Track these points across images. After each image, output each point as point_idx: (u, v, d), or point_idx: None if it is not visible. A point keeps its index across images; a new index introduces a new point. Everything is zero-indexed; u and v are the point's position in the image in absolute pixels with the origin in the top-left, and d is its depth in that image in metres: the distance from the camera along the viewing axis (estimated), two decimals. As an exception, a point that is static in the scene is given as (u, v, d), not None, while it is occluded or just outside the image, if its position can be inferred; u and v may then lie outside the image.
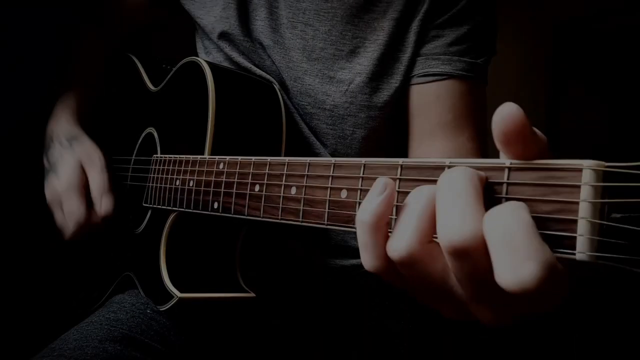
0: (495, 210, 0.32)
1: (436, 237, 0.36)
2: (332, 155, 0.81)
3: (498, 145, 0.35)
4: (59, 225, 0.82)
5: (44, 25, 0.99)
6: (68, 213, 0.79)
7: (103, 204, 0.80)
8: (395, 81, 0.78)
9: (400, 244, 0.36)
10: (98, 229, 0.82)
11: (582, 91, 1.91)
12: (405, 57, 0.77)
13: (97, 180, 0.81)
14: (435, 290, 0.38)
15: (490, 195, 0.36)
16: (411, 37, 0.77)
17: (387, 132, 0.81)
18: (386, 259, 0.39)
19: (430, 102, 0.77)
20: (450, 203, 0.34)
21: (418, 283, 0.38)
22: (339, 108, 0.79)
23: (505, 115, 0.33)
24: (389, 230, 0.39)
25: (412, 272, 0.37)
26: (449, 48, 0.76)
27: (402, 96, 0.79)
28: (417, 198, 0.37)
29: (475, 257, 0.33)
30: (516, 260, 0.30)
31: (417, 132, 0.79)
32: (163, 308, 0.69)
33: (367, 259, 0.39)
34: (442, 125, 0.76)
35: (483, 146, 0.79)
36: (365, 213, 0.38)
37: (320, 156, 0.81)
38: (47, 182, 0.83)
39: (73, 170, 0.81)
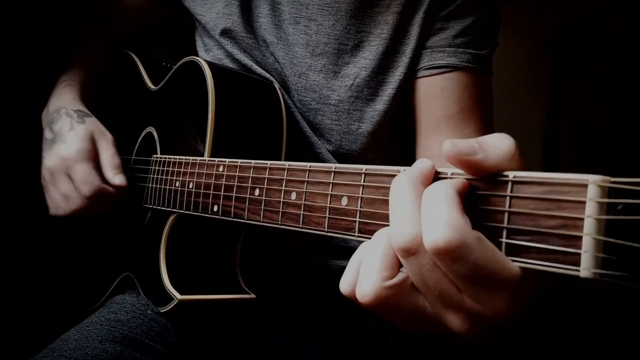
0: (431, 185, 0.37)
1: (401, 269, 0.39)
2: (336, 151, 0.80)
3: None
4: (62, 195, 0.79)
5: (44, 26, 0.98)
6: (81, 180, 0.76)
7: (117, 176, 0.78)
8: (399, 74, 0.77)
9: (365, 289, 0.39)
10: (112, 200, 0.79)
11: (583, 92, 1.90)
12: (409, 49, 0.77)
13: (110, 152, 0.80)
14: (410, 314, 0.40)
15: (492, 207, 0.36)
16: (414, 30, 0.76)
17: (392, 127, 0.81)
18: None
19: (436, 94, 0.76)
20: (393, 213, 0.38)
21: (394, 312, 0.41)
22: (344, 103, 0.78)
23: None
24: None
25: (385, 308, 0.40)
26: (454, 40, 0.75)
27: (406, 89, 0.79)
28: (379, 237, 0.40)
29: (419, 256, 0.36)
30: (434, 224, 0.34)
31: (423, 125, 0.78)
32: (163, 310, 0.69)
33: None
34: (448, 118, 0.76)
35: None
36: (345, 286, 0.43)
37: (321, 156, 0.80)
38: (50, 150, 0.80)
39: (85, 139, 0.79)
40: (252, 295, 0.71)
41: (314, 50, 0.79)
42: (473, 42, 0.76)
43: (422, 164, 0.39)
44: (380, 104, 0.78)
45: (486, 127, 0.78)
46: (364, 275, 0.39)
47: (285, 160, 0.68)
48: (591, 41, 1.92)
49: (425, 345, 0.82)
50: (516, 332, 1.81)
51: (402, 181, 0.38)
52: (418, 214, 0.36)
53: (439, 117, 0.76)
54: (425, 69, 0.77)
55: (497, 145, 0.36)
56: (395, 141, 0.83)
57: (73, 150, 0.78)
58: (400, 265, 0.39)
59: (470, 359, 1.62)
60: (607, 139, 1.84)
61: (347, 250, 0.82)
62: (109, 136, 0.82)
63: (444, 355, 0.83)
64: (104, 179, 0.78)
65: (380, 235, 0.40)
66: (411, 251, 0.36)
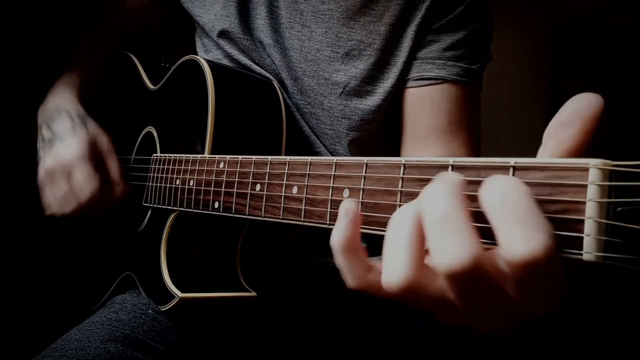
0: (494, 183, 0.32)
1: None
2: (331, 155, 0.81)
3: (563, 129, 0.34)
4: (58, 197, 0.78)
5: (44, 25, 0.99)
6: (80, 185, 0.76)
7: (123, 184, 0.80)
8: (389, 84, 0.77)
9: (394, 277, 0.35)
10: (107, 206, 0.80)
11: (583, 92, 1.90)
12: (400, 61, 0.77)
13: (115, 161, 0.81)
14: (432, 306, 0.37)
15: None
16: (407, 42, 0.76)
17: (381, 137, 0.81)
18: (365, 280, 0.39)
19: (425, 105, 0.76)
20: (440, 226, 0.33)
21: (413, 303, 0.38)
22: (335, 110, 0.79)
23: (593, 100, 0.33)
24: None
25: (410, 298, 0.36)
26: (445, 53, 0.76)
27: (395, 100, 0.79)
28: (403, 221, 0.35)
29: (475, 278, 0.33)
30: (526, 231, 0.30)
31: (410, 136, 0.78)
32: (164, 308, 0.69)
33: (348, 280, 0.40)
34: (436, 130, 0.76)
35: (477, 152, 0.79)
36: (334, 238, 0.39)
37: (321, 155, 0.81)
38: (50, 151, 0.80)
39: (86, 143, 0.79)
40: (253, 293, 0.71)
41: (306, 56, 0.79)
42: (464, 56, 0.76)
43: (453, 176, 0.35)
44: (368, 114, 0.78)
45: (474, 142, 0.78)
46: (392, 262, 0.35)
47: None
48: (591, 41, 1.93)
49: (425, 345, 0.81)
50: (515, 333, 1.81)
51: (441, 190, 0.34)
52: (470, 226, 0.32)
53: (427, 129, 0.76)
54: (414, 80, 0.77)
55: None
56: (390, 150, 0.83)
57: (74, 153, 0.77)
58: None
59: (471, 359, 1.61)
60: (606, 138, 1.85)
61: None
62: (110, 143, 0.83)
63: (444, 355, 0.83)
64: (102, 185, 0.78)
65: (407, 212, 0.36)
66: (468, 273, 0.32)
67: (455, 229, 0.32)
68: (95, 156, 0.79)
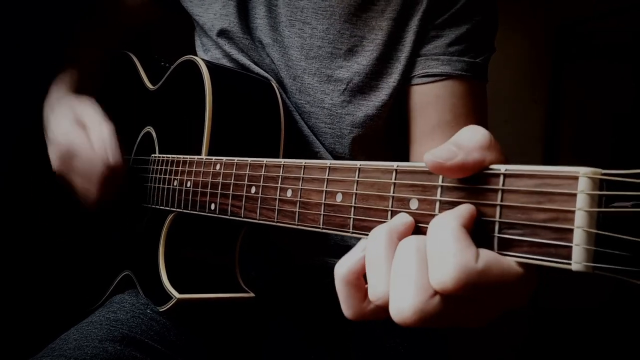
0: (433, 221, 0.36)
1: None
2: (330, 154, 0.81)
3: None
4: (83, 176, 0.77)
5: (44, 26, 0.99)
6: (96, 143, 0.75)
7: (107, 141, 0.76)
8: (393, 80, 0.77)
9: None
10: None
11: (584, 92, 1.90)
12: (403, 56, 0.77)
13: (98, 123, 0.79)
14: None
15: (484, 201, 0.36)
16: (409, 37, 0.76)
17: (385, 133, 0.81)
18: (362, 312, 0.41)
19: (430, 102, 0.76)
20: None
21: None
22: (337, 107, 0.78)
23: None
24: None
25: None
26: (449, 48, 0.75)
27: (400, 96, 0.79)
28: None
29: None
30: (438, 265, 0.34)
31: (417, 132, 0.78)
32: (162, 309, 0.69)
33: (344, 310, 0.41)
34: (442, 126, 0.75)
35: None
36: (342, 266, 0.41)
37: (319, 155, 0.80)
38: (48, 147, 0.80)
39: (67, 116, 0.79)
40: (251, 294, 0.71)
41: (307, 54, 0.79)
42: (468, 50, 0.75)
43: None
44: (372, 110, 0.78)
45: None
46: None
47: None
48: (591, 41, 1.92)
49: (425, 345, 0.81)
50: (515, 334, 1.81)
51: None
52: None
53: (433, 125, 0.76)
54: (419, 77, 0.76)
55: (472, 138, 0.36)
56: (391, 147, 0.83)
57: (62, 130, 0.78)
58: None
59: (470, 359, 1.61)
60: (607, 139, 1.84)
61: (347, 248, 0.82)
62: (88, 102, 0.81)
63: (444, 355, 0.83)
64: None
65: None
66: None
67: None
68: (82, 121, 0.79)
